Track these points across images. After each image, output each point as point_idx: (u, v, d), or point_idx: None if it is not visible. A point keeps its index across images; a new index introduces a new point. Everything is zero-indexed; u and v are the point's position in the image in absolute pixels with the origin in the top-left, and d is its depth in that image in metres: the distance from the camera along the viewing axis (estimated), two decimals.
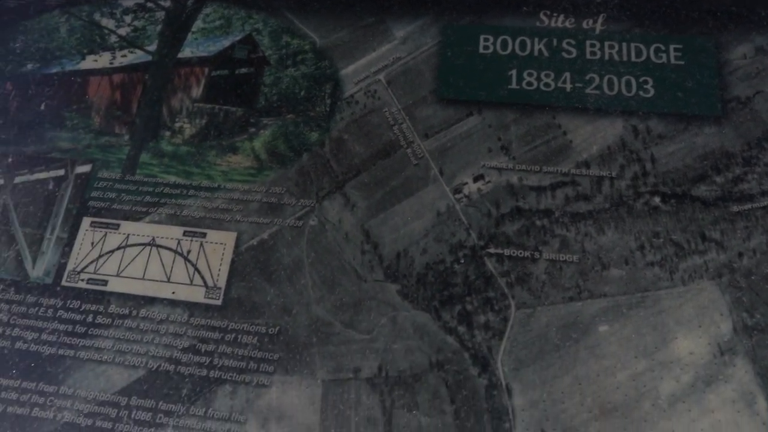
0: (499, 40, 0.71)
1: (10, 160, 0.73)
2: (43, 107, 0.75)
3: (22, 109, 0.76)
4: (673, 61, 0.67)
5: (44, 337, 0.64)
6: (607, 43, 0.69)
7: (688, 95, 0.65)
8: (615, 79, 0.67)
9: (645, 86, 0.66)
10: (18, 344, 0.64)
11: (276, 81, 0.72)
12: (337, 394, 0.58)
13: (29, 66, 0.78)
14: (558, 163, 0.64)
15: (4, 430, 0.61)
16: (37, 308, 0.66)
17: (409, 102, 0.69)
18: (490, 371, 0.57)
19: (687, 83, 0.66)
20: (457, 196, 0.64)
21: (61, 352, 0.63)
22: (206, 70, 0.73)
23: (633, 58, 0.68)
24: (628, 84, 0.67)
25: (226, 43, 0.74)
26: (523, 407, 0.56)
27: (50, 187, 0.71)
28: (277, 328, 0.61)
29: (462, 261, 0.61)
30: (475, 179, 0.65)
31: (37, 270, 0.67)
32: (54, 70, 0.77)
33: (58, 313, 0.65)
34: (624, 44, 0.69)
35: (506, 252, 0.61)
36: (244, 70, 0.73)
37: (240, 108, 0.71)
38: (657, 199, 0.62)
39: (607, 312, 0.58)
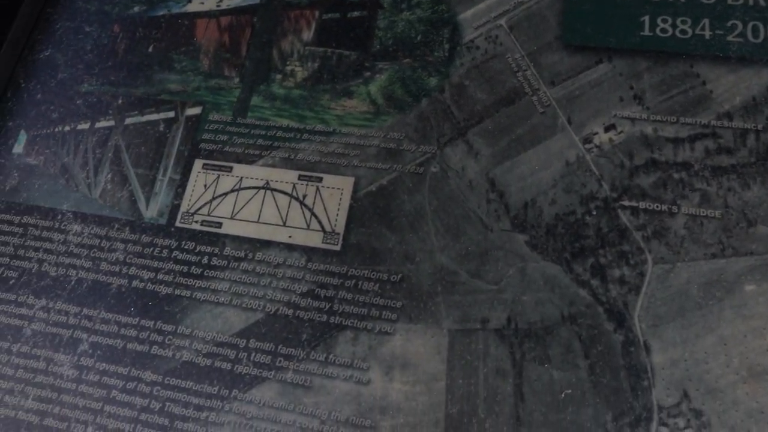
0: None
1: (119, 101, 0.72)
2: (150, 49, 0.74)
3: (130, 51, 0.75)
4: None
5: (160, 276, 0.64)
6: None
7: None
8: (761, 26, 0.62)
9: None
10: (135, 283, 0.64)
11: (390, 25, 0.69)
12: (464, 344, 0.56)
13: (136, 8, 0.77)
14: (697, 114, 0.61)
15: (126, 365, 0.61)
16: (152, 248, 0.65)
17: (533, 48, 0.66)
18: (627, 327, 0.55)
19: None
20: (587, 146, 0.61)
21: (177, 292, 0.63)
22: (317, 12, 0.71)
23: None
24: None
25: None
26: (663, 365, 0.53)
27: (161, 128, 0.70)
28: (399, 276, 0.59)
29: (594, 213, 0.59)
30: (606, 129, 0.61)
31: (151, 210, 0.66)
32: (161, 13, 0.76)
33: (174, 254, 0.64)
34: None
35: (641, 205, 0.58)
36: (356, 14, 0.70)
37: (354, 52, 0.69)
38: None
39: (753, 271, 0.55)
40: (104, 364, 0.61)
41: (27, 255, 0.68)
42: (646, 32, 0.64)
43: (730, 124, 0.60)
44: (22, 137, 0.73)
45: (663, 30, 0.64)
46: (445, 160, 0.63)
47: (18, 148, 0.73)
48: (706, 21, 0.63)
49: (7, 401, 0.62)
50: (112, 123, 0.71)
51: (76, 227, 0.68)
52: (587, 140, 0.61)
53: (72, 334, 0.63)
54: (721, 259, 0.56)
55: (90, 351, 0.62)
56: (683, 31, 0.64)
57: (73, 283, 0.65)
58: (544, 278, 0.57)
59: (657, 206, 0.58)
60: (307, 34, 0.71)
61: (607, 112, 0.62)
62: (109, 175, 0.69)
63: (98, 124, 0.72)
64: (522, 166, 0.62)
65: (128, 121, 0.71)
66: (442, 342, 0.57)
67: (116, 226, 0.67)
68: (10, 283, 0.67)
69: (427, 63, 0.67)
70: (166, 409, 0.59)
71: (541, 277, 0.57)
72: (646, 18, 0.65)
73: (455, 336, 0.57)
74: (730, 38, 0.62)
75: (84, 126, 0.72)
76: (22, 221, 0.69)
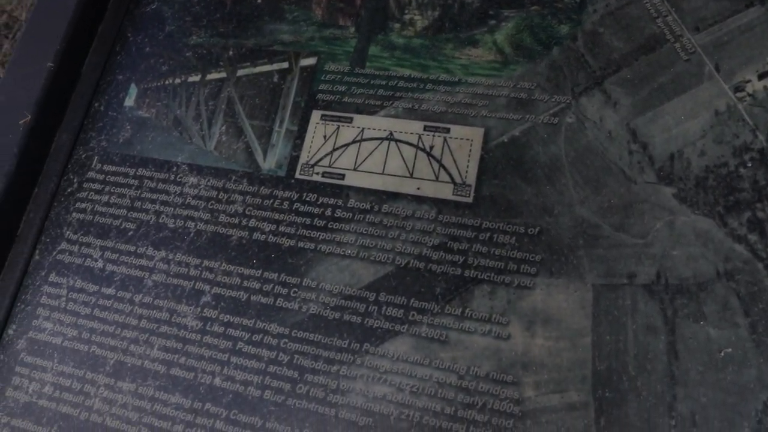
0: None
1: (230, 53, 0.71)
2: (259, 1, 0.72)
3: (239, 2, 0.73)
4: None
5: (282, 229, 0.62)
6: None
7: None
8: None
9: None
10: (256, 235, 0.63)
11: None
12: (611, 300, 0.54)
13: None
14: None
15: (251, 318, 0.60)
16: (272, 200, 0.64)
17: None
18: None
19: None
20: (739, 94, 0.57)
21: (300, 244, 0.61)
22: None
23: None
24: None
25: None
26: None
27: (275, 79, 0.68)
28: (537, 229, 0.57)
29: (749, 165, 0.55)
30: (760, 77, 0.57)
31: (269, 162, 0.65)
32: None
33: (295, 206, 0.63)
34: None
35: None
36: None
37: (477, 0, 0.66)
38: None
39: None
40: (228, 316, 0.61)
41: (144, 207, 0.67)
42: None
43: None
44: (133, 90, 0.72)
45: None
46: (581, 111, 0.60)
47: (129, 101, 0.72)
48: None
49: (133, 350, 0.62)
50: (223, 75, 0.70)
51: (192, 179, 0.67)
52: (738, 89, 0.57)
53: (194, 285, 0.63)
54: None
55: (213, 303, 0.61)
56: None
57: (192, 234, 0.65)
58: (696, 232, 0.54)
59: None
60: None
61: (760, 59, 0.58)
62: (224, 127, 0.68)
63: (209, 76, 0.70)
64: (666, 117, 0.58)
65: (240, 72, 0.69)
66: (586, 297, 0.54)
67: (233, 178, 0.66)
68: (129, 234, 0.66)
69: (556, 10, 0.64)
70: (294, 362, 0.58)
71: (691, 231, 0.54)
72: None
73: (600, 291, 0.54)
74: None
75: (195, 78, 0.71)
76: (138, 173, 0.69)
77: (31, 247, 0.68)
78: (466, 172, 0.60)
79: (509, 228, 0.57)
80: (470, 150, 0.60)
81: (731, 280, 0.52)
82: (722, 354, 0.51)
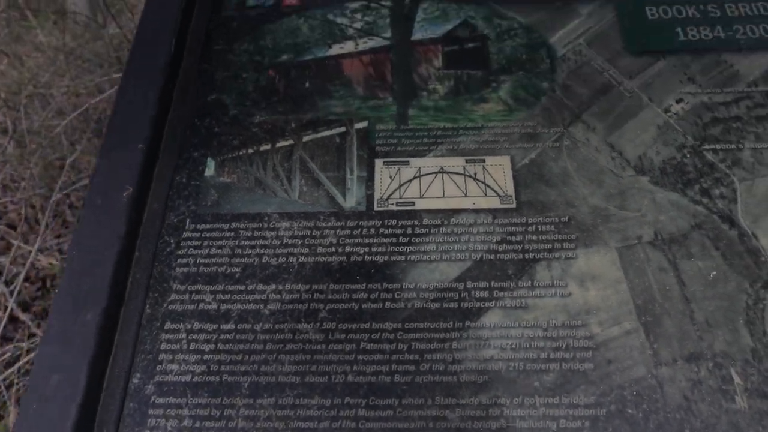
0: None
1: (293, 125, 0.88)
2: (307, 84, 0.91)
3: (289, 87, 0.91)
4: None
5: (374, 249, 0.78)
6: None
7: None
8: (755, 27, 0.92)
9: None
10: (353, 258, 0.77)
11: (500, 50, 0.92)
12: (631, 255, 0.76)
13: (284, 57, 0.94)
14: (734, 85, 0.87)
15: (366, 321, 0.73)
16: (359, 229, 0.79)
17: (608, 56, 0.91)
18: (737, 225, 0.77)
19: None
20: (668, 114, 0.86)
21: (393, 258, 0.77)
22: (439, 46, 0.93)
23: None
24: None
25: (448, 27, 0.94)
26: None
27: (337, 140, 0.86)
28: (567, 217, 0.78)
29: (688, 156, 0.82)
30: (677, 101, 0.86)
31: (349, 201, 0.81)
32: (307, 58, 0.94)
33: (380, 230, 0.79)
34: None
35: (717, 146, 0.83)
36: (471, 45, 0.93)
37: (478, 71, 0.90)
38: None
39: None
40: (346, 324, 0.73)
41: (245, 253, 0.79)
42: (682, 38, 0.92)
43: (757, 88, 0.87)
44: (210, 163, 0.86)
45: (693, 35, 0.92)
46: (572, 136, 0.85)
47: (209, 172, 0.85)
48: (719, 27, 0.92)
49: (265, 370, 0.71)
50: (291, 142, 0.86)
51: (285, 224, 0.80)
52: (667, 110, 0.86)
53: (308, 306, 0.75)
54: None
55: (330, 317, 0.74)
56: (706, 35, 0.92)
57: (296, 267, 0.77)
58: (670, 202, 0.79)
59: (728, 146, 0.83)
60: (437, 62, 0.92)
61: (674, 91, 0.87)
62: (302, 181, 0.83)
63: (278, 144, 0.86)
64: (629, 133, 0.84)
65: (305, 138, 0.86)
66: (614, 256, 0.76)
67: (322, 217, 0.81)
68: (236, 277, 0.77)
69: (537, 73, 0.90)
70: (413, 347, 0.71)
71: (667, 202, 0.79)
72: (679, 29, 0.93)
73: (621, 251, 0.76)
74: (738, 36, 0.91)
75: (266, 147, 0.86)
76: (232, 227, 0.81)
77: (142, 303, 0.76)
78: (506, 186, 0.81)
79: (548, 220, 0.78)
80: (503, 172, 0.82)
81: (701, 228, 0.77)
82: (711, 276, 0.74)
